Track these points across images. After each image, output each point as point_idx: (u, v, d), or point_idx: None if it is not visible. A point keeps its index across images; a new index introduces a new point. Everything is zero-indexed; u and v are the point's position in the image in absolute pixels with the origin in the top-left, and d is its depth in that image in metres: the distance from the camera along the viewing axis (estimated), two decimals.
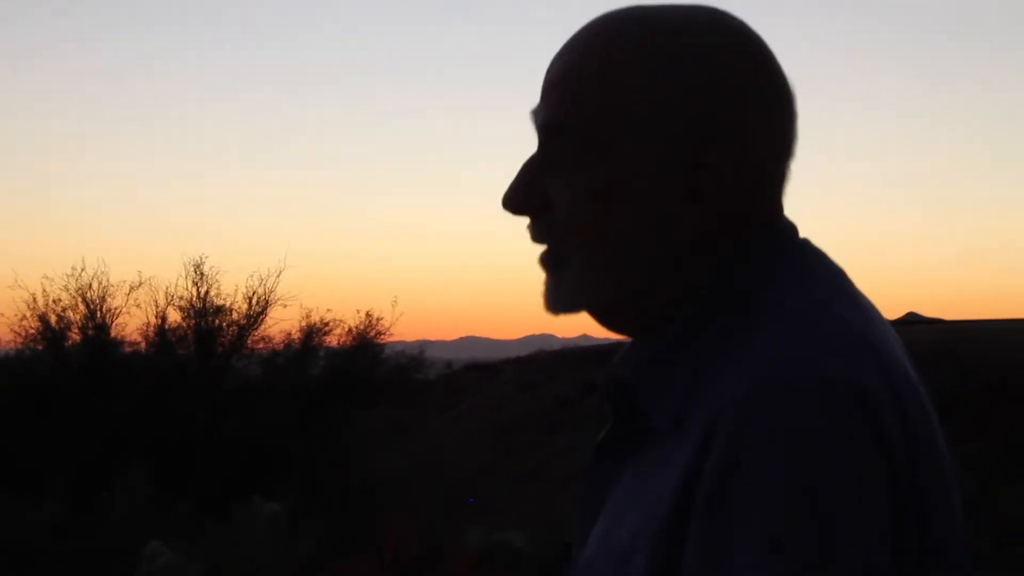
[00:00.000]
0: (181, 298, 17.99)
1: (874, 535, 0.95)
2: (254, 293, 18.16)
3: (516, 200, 1.17)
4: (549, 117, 1.14)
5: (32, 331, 17.68)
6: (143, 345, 18.19)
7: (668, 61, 1.09)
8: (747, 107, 1.10)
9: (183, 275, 18.58)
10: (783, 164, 1.14)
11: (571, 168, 1.12)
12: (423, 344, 21.30)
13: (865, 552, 0.94)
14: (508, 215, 1.19)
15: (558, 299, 1.16)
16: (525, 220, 1.18)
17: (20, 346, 17.94)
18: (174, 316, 18.08)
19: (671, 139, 1.09)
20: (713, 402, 1.01)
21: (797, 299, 1.07)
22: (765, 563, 0.93)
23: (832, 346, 1.01)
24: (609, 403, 1.18)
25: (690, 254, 1.11)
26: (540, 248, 1.18)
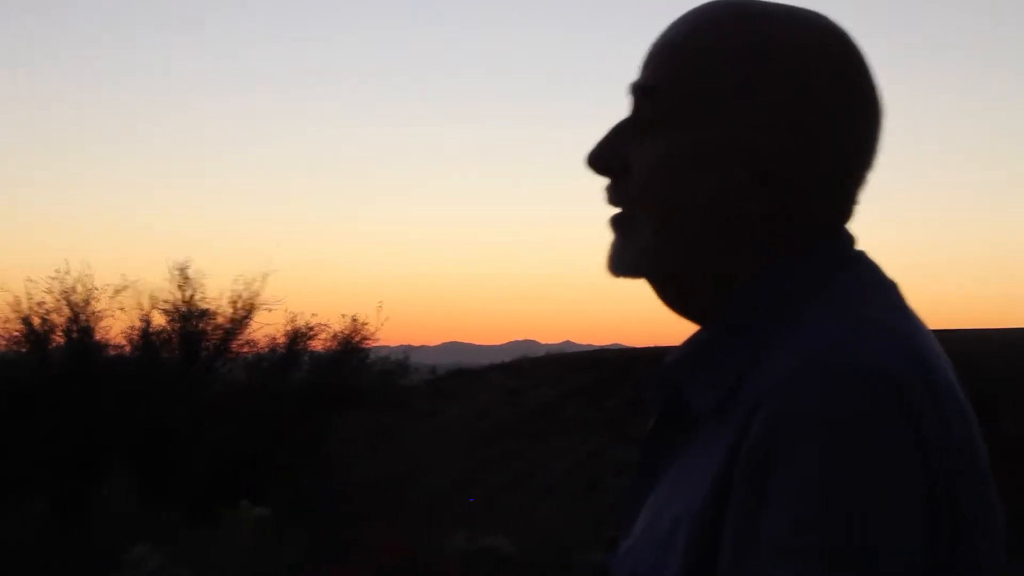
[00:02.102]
0: (166, 301, 17.92)
1: (903, 525, 0.97)
2: (239, 297, 18.09)
3: (598, 158, 1.23)
4: (645, 80, 1.21)
5: (15, 333, 17.59)
6: (127, 348, 18.12)
7: (763, 49, 1.16)
8: (831, 109, 1.15)
9: (168, 278, 18.49)
10: (858, 171, 1.19)
11: (655, 132, 1.18)
12: (407, 349, 21.29)
13: (892, 541, 0.96)
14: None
15: (622, 261, 1.21)
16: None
17: (2, 348, 17.89)
18: (159, 319, 18.02)
19: (751, 120, 1.15)
20: (755, 390, 1.05)
21: (846, 303, 1.11)
22: (792, 543, 0.96)
23: (875, 342, 1.04)
24: (657, 394, 1.22)
25: (750, 238, 1.16)
26: (613, 210, 1.23)
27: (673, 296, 1.22)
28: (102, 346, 18.03)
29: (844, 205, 1.20)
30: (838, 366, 1.01)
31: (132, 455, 14.71)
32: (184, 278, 17.91)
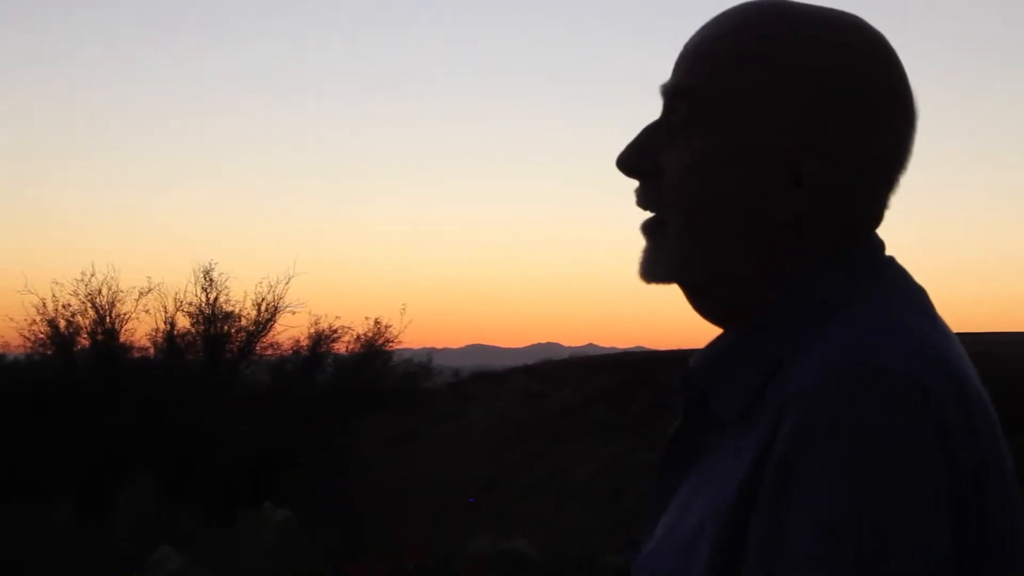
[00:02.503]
0: (190, 304, 18.04)
1: (929, 531, 0.97)
2: (263, 299, 18.21)
3: (630, 160, 1.21)
4: (678, 81, 1.20)
5: (41, 336, 17.73)
6: (152, 351, 18.24)
7: (799, 51, 1.15)
8: (865, 110, 1.14)
9: (192, 281, 18.60)
10: (891, 174, 1.18)
11: (688, 134, 1.17)
12: (431, 352, 21.32)
13: (918, 547, 0.96)
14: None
15: (655, 267, 1.20)
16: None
17: (29, 351, 18.01)
18: (183, 322, 18.13)
19: (786, 121, 1.14)
20: (782, 395, 1.04)
21: (875, 309, 1.10)
22: (818, 549, 0.96)
23: (905, 349, 1.03)
24: (683, 396, 1.21)
25: (784, 241, 1.15)
26: (644, 215, 1.22)
27: (706, 301, 1.21)
28: (127, 348, 18.15)
29: (875, 208, 1.18)
30: (865, 372, 1.00)
31: (155, 457, 14.77)
32: (208, 281, 18.05)
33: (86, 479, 14.41)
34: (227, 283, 18.17)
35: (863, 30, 1.18)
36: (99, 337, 17.75)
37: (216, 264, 18.42)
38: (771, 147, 1.14)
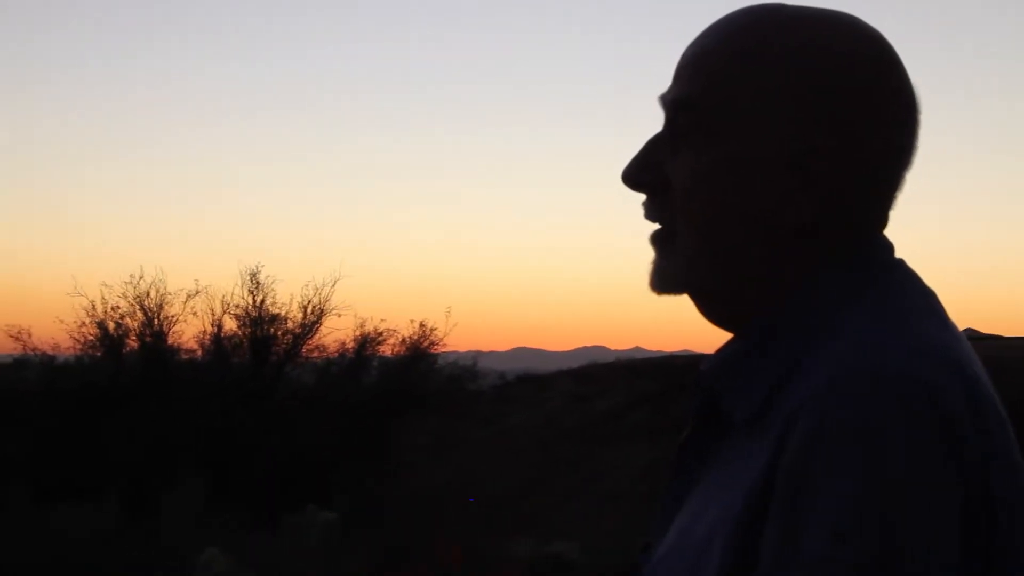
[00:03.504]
0: (237, 306, 18.18)
1: (938, 534, 0.97)
2: (309, 302, 18.32)
3: (635, 174, 1.21)
4: (679, 93, 1.19)
5: (91, 338, 17.94)
6: (199, 353, 18.40)
7: (800, 54, 1.14)
8: (870, 110, 1.14)
9: (239, 284, 18.78)
10: (898, 172, 1.18)
11: (694, 145, 1.17)
12: (476, 355, 21.34)
13: (928, 551, 0.96)
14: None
15: (666, 278, 1.20)
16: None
17: (79, 352, 18.21)
18: (230, 324, 18.28)
19: (793, 127, 1.13)
20: (792, 400, 1.04)
21: (885, 312, 1.09)
22: (830, 553, 0.96)
23: (911, 351, 1.03)
24: (694, 401, 1.21)
25: (794, 246, 1.14)
26: (652, 227, 1.21)
27: (717, 308, 1.21)
28: (175, 350, 18.31)
29: (883, 209, 1.19)
30: (872, 376, 1.00)
31: (202, 458, 14.87)
32: (255, 283, 18.18)
33: (134, 480, 14.54)
34: (273, 286, 18.32)
35: (860, 29, 1.18)
36: (147, 339, 17.92)
37: (263, 267, 18.54)
38: (779, 153, 1.13)
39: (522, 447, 18.64)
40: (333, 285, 18.33)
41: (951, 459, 0.99)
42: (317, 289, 18.35)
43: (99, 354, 18.05)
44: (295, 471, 15.84)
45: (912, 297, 1.13)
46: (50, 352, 18.15)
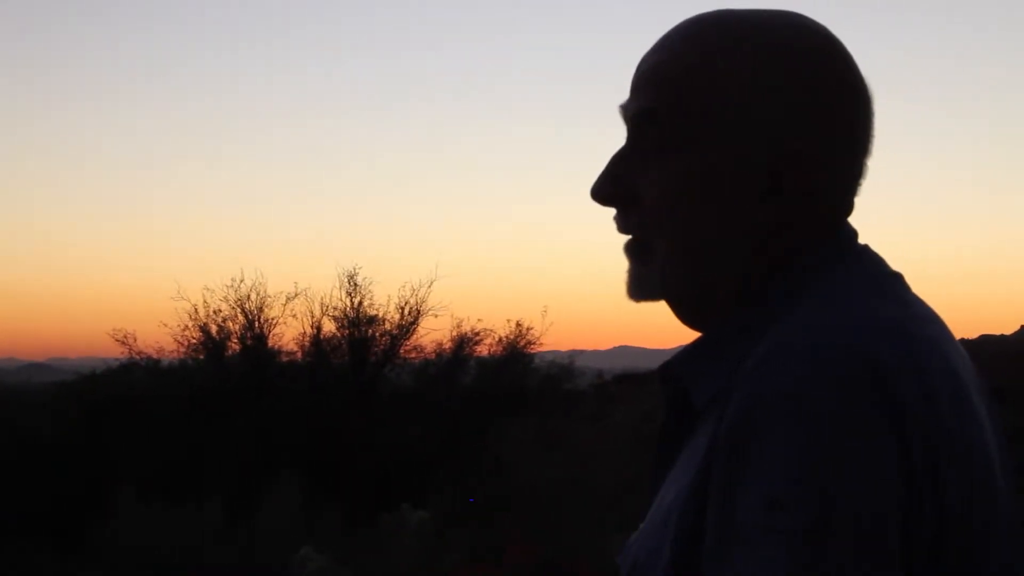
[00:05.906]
0: (335, 308, 18.36)
1: (875, 501, 0.96)
2: (406, 303, 18.44)
3: (604, 190, 1.23)
4: (641, 106, 1.20)
5: (194, 341, 18.26)
6: (299, 354, 18.62)
7: (754, 59, 1.16)
8: (827, 104, 1.16)
9: (337, 285, 18.96)
10: (859, 161, 1.19)
11: (660, 157, 1.18)
12: (575, 354, 21.32)
13: (864, 517, 0.95)
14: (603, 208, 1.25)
15: (641, 287, 1.22)
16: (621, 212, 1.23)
17: (183, 356, 18.56)
18: (329, 326, 18.47)
19: (755, 132, 1.15)
20: (738, 379, 1.05)
21: (835, 294, 1.10)
22: (765, 521, 0.95)
23: (852, 324, 1.03)
24: (664, 390, 1.24)
25: (765, 246, 1.16)
26: (624, 238, 1.23)
27: (692, 314, 1.22)
28: (275, 352, 18.56)
29: (847, 200, 1.20)
30: (810, 346, 1.00)
31: (302, 459, 15.07)
32: (353, 285, 18.35)
33: (236, 480, 14.78)
34: (371, 287, 18.47)
35: (806, 26, 1.20)
36: (249, 342, 18.19)
37: (360, 268, 18.72)
38: (746, 158, 1.15)
39: (620, 446, 18.57)
40: (430, 286, 18.44)
41: (891, 427, 0.97)
42: (414, 290, 18.47)
43: (202, 357, 18.35)
44: (393, 471, 15.97)
45: (869, 280, 1.14)
46: (155, 356, 18.53)
